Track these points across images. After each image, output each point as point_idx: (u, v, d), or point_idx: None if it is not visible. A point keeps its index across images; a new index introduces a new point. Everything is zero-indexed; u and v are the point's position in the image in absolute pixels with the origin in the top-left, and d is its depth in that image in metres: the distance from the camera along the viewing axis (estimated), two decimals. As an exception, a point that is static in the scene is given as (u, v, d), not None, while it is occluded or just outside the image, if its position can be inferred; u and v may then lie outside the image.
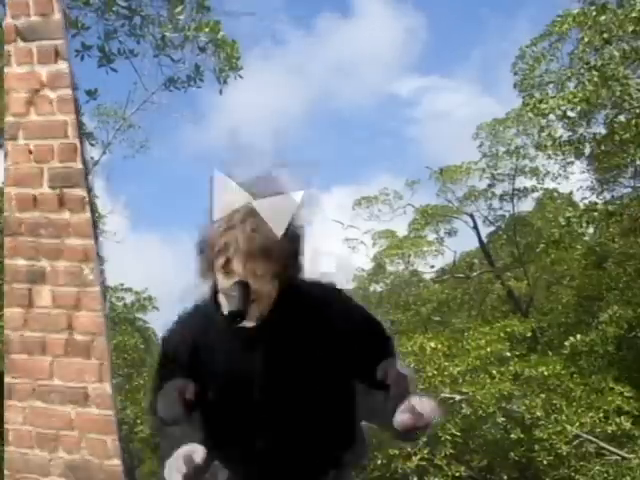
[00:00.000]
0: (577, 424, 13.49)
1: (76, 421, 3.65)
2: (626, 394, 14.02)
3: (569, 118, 15.04)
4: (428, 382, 13.97)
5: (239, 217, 1.92)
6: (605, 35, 13.49)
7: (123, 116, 17.53)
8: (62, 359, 3.68)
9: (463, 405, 14.08)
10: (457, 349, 14.92)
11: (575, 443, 13.62)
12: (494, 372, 14.21)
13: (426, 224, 21.74)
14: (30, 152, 3.77)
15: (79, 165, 3.69)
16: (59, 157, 3.71)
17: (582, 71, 14.11)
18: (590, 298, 18.75)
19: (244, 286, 1.92)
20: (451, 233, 21.98)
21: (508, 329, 15.54)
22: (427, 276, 22.89)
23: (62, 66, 3.71)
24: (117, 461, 3.59)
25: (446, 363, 14.30)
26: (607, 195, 17.25)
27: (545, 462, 14.11)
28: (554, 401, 13.93)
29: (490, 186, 21.10)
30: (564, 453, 13.55)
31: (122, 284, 20.98)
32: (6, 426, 3.78)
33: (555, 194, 21.39)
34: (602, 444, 13.69)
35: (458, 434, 14.07)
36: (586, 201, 17.28)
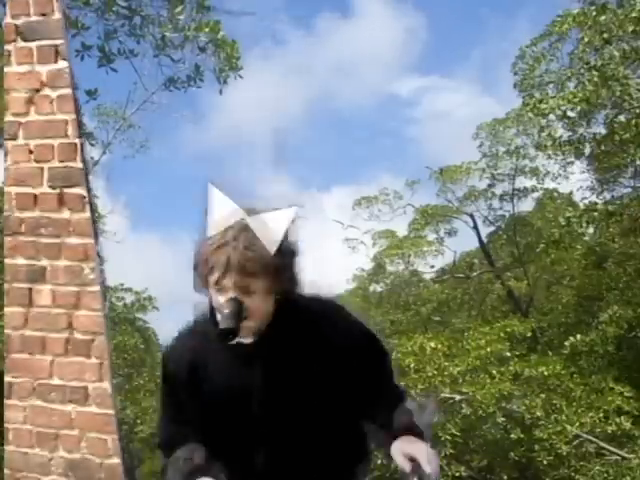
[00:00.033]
0: (577, 424, 13.49)
1: (76, 420, 3.65)
2: (626, 394, 14.02)
3: (569, 118, 15.04)
4: (428, 382, 13.97)
5: (232, 234, 1.93)
6: (605, 35, 13.49)
7: (123, 116, 17.56)
8: (62, 358, 3.68)
9: (463, 405, 14.08)
10: (457, 349, 14.92)
11: (575, 443, 13.62)
12: (494, 372, 14.20)
13: (426, 224, 21.75)
14: (30, 151, 3.77)
15: (79, 164, 3.69)
16: (59, 156, 3.71)
17: (582, 71, 14.12)
18: (590, 298, 18.75)
19: (237, 303, 1.93)
20: (451, 233, 22.01)
21: (508, 329, 15.54)
22: (427, 276, 22.93)
23: (62, 65, 3.71)
24: (117, 460, 3.59)
25: (446, 363, 14.29)
26: (607, 195, 17.28)
27: (545, 462, 14.11)
28: (554, 401, 13.93)
29: (490, 186, 21.12)
30: (564, 453, 13.55)
31: (122, 284, 21.01)
32: (6, 425, 3.78)
33: (555, 194, 21.40)
34: (602, 444, 13.69)
35: (458, 434, 14.08)
36: (586, 201, 17.32)
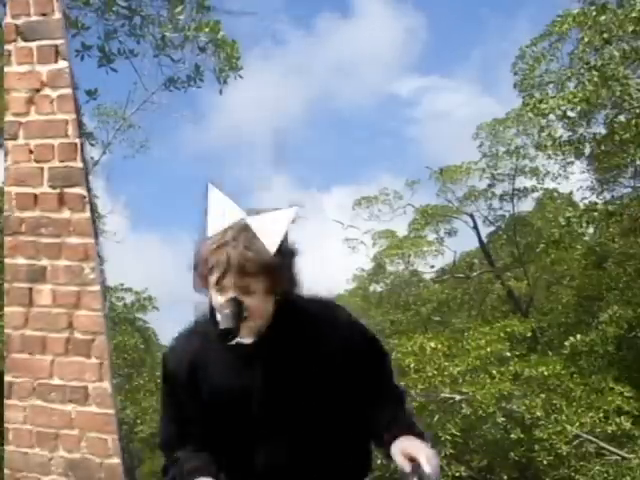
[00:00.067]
0: (577, 424, 13.49)
1: (76, 420, 3.65)
2: (626, 394, 14.01)
3: (569, 118, 15.04)
4: (428, 382, 13.98)
5: (232, 234, 1.93)
6: (605, 35, 13.49)
7: (123, 116, 17.57)
8: (62, 358, 3.68)
9: (463, 405, 14.07)
10: (457, 349, 14.92)
11: (575, 443, 13.62)
12: (494, 372, 14.20)
13: (426, 224, 21.75)
14: (30, 151, 3.77)
15: (79, 164, 3.69)
16: (59, 156, 3.71)
17: (582, 71, 14.11)
18: (590, 298, 18.75)
19: (237, 303, 1.93)
20: (451, 233, 22.00)
21: (508, 329, 15.53)
22: (427, 276, 22.93)
23: (62, 65, 3.72)
24: (117, 460, 3.59)
25: (446, 363, 14.29)
26: (607, 195, 17.28)
27: (545, 462, 14.11)
28: (554, 401, 13.92)
29: (490, 186, 21.12)
30: (564, 453, 13.54)
31: (122, 284, 21.01)
32: (6, 425, 3.78)
33: (555, 194, 21.40)
34: (602, 444, 13.69)
35: (458, 434, 14.08)
36: (586, 201, 17.31)
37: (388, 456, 2.02)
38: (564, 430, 13.39)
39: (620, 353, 16.99)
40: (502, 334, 15.18)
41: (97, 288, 3.64)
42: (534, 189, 21.02)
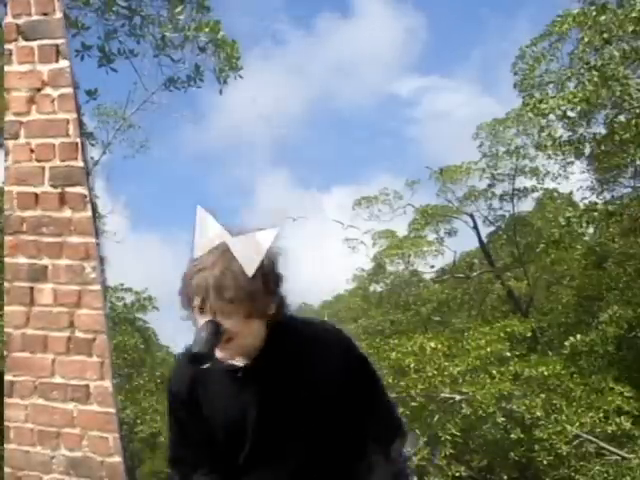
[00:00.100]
0: (577, 424, 13.48)
1: (78, 418, 3.66)
2: (626, 394, 14.00)
3: (569, 118, 15.04)
4: (428, 382, 13.97)
5: (212, 258, 1.94)
6: (605, 35, 13.49)
7: (123, 116, 17.58)
8: (63, 357, 3.69)
9: (463, 405, 14.07)
10: (457, 349, 14.91)
11: (575, 443, 13.61)
12: (494, 372, 14.19)
13: (426, 224, 21.76)
14: (31, 151, 3.78)
15: (80, 163, 3.69)
16: (60, 155, 3.72)
17: (582, 71, 14.11)
18: (590, 298, 18.76)
19: (214, 326, 1.93)
20: (451, 233, 22.02)
21: (508, 329, 15.53)
22: (427, 276, 22.94)
23: (63, 65, 3.72)
24: (118, 458, 3.60)
25: (446, 363, 14.28)
26: (607, 195, 17.28)
27: (545, 462, 14.10)
28: (554, 401, 13.92)
29: (490, 186, 21.13)
30: (564, 453, 13.53)
31: (122, 284, 21.00)
32: (7, 424, 3.79)
33: (555, 194, 21.41)
34: (602, 444, 13.68)
35: (458, 434, 14.07)
36: (586, 201, 17.31)
37: None
38: (564, 430, 13.39)
39: (620, 353, 16.99)
40: (502, 334, 15.18)
41: (98, 287, 3.65)
42: (534, 189, 21.04)
